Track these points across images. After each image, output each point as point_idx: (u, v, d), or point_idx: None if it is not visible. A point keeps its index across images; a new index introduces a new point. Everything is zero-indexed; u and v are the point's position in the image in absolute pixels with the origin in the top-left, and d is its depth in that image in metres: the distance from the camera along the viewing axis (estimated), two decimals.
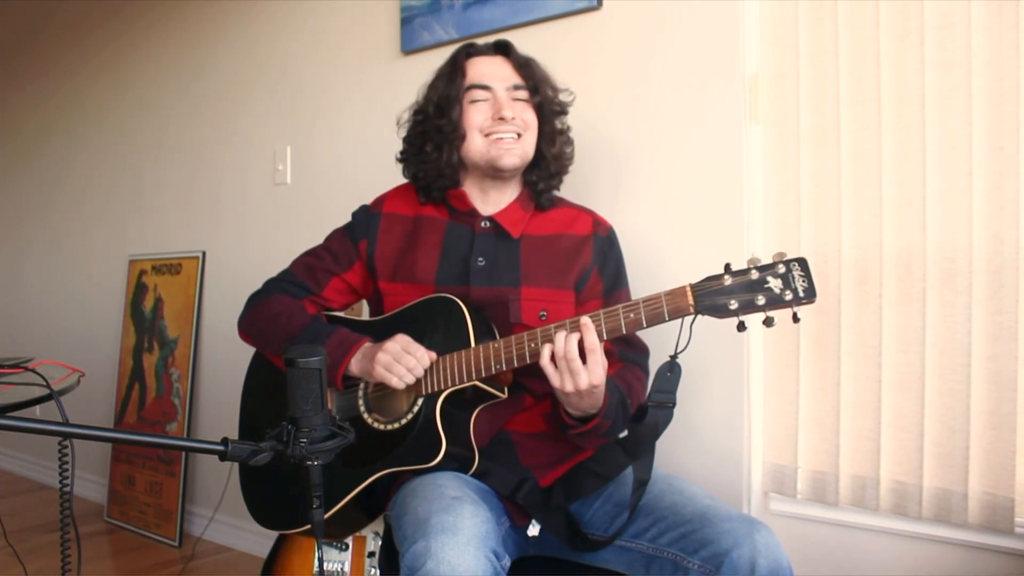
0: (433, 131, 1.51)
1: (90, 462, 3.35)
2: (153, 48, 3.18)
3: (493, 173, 1.51)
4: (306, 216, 2.56)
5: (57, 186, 3.74)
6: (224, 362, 2.81)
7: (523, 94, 1.51)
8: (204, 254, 2.95)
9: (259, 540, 2.59)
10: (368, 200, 1.64)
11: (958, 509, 1.49)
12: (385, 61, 2.32)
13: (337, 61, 2.47)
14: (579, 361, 1.25)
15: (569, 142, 1.59)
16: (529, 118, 1.51)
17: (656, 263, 1.77)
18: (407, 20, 2.23)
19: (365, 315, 1.72)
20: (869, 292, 1.58)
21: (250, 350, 1.65)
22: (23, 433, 0.90)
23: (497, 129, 1.48)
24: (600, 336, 1.25)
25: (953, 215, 1.50)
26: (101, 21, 3.43)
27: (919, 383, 1.53)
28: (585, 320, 1.25)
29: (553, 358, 1.27)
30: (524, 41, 1.90)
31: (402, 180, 1.63)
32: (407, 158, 1.58)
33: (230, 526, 2.73)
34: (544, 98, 1.52)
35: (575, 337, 1.25)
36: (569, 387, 1.26)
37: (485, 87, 1.50)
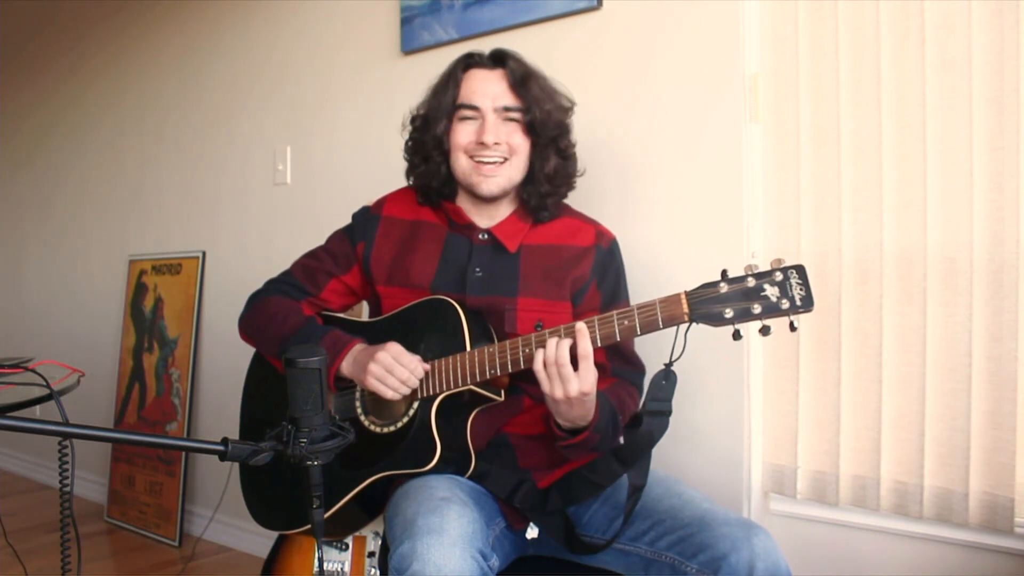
0: (422, 145, 1.51)
1: (90, 462, 3.35)
2: (153, 48, 3.18)
3: (475, 196, 1.50)
4: (306, 216, 2.56)
5: (57, 186, 3.74)
6: (224, 362, 2.81)
7: (514, 115, 1.46)
8: (204, 254, 2.95)
9: (259, 540, 2.59)
10: (368, 201, 1.64)
11: (958, 509, 1.49)
12: (385, 61, 2.32)
13: (337, 61, 2.47)
14: (570, 367, 1.24)
15: (569, 159, 1.54)
16: (517, 142, 1.47)
17: (655, 263, 1.77)
18: (407, 20, 2.23)
19: (364, 316, 1.72)
20: (869, 292, 1.58)
21: (250, 350, 1.65)
22: (23, 433, 0.89)
23: (479, 153, 1.46)
24: (594, 343, 1.25)
25: (953, 215, 1.50)
26: (101, 21, 3.43)
27: (919, 383, 1.53)
28: (580, 325, 1.24)
29: (545, 364, 1.26)
30: (524, 41, 1.91)
31: (403, 182, 1.63)
32: (407, 162, 1.58)
33: (230, 526, 2.73)
34: (535, 118, 1.46)
35: (567, 343, 1.24)
36: (559, 393, 1.26)
37: (473, 107, 1.46)
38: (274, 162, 2.67)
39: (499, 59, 1.49)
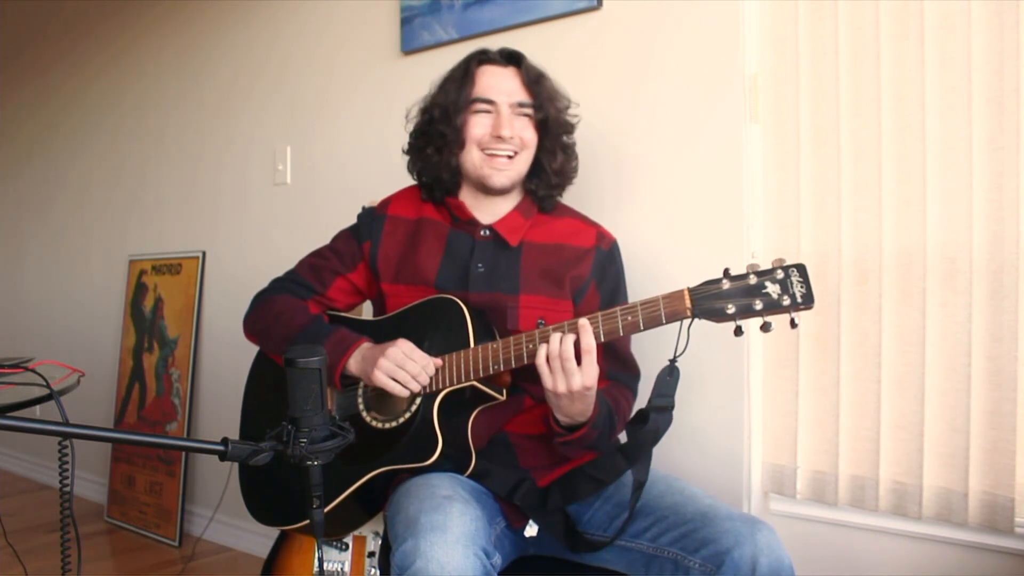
0: (436, 135, 1.51)
1: (90, 462, 3.35)
2: (153, 48, 3.18)
3: (484, 189, 1.52)
4: (306, 216, 2.56)
5: (57, 186, 3.74)
6: (224, 362, 2.81)
7: (527, 111, 1.50)
8: (204, 254, 2.95)
9: (259, 540, 2.59)
10: (367, 200, 1.64)
11: (958, 509, 1.49)
12: (385, 61, 2.32)
13: (337, 61, 2.47)
14: (574, 362, 1.25)
15: (573, 157, 1.59)
16: (528, 136, 1.51)
17: (654, 262, 1.77)
18: (407, 20, 2.23)
19: (367, 315, 1.73)
20: (869, 292, 1.58)
21: (250, 349, 1.65)
22: (23, 433, 0.90)
23: (494, 146, 1.48)
24: (597, 338, 1.26)
25: (953, 215, 1.50)
26: (101, 21, 3.43)
27: (919, 383, 1.53)
28: (583, 321, 1.26)
29: (548, 359, 1.27)
30: (524, 41, 1.91)
31: (403, 182, 1.63)
32: (411, 154, 1.58)
33: (230, 526, 2.73)
34: (548, 115, 1.52)
35: (571, 338, 1.26)
36: (562, 388, 1.27)
37: (490, 101, 1.49)
38: (274, 162, 2.67)
39: (512, 58, 1.54)
